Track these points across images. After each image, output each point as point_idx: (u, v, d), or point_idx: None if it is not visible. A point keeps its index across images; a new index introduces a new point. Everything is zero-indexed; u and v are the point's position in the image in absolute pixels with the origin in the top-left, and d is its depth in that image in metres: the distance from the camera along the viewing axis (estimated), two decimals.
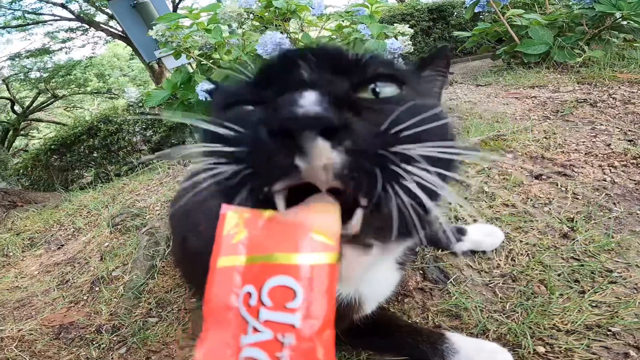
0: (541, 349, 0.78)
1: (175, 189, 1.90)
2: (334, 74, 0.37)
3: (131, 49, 9.46)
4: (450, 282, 0.98)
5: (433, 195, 0.32)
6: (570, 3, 2.90)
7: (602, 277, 0.91)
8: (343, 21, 3.36)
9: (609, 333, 0.79)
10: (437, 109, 0.37)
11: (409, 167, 0.30)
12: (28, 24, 10.07)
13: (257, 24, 3.57)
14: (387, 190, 0.30)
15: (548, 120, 1.70)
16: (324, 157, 0.28)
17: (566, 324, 0.81)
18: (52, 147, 5.14)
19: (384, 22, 5.62)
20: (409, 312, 0.93)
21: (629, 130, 1.49)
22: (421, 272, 1.04)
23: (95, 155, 5.26)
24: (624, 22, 2.75)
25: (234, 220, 0.27)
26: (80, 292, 1.33)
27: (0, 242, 1.92)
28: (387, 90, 0.38)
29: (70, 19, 9.79)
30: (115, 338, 1.10)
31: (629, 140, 1.43)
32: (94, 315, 1.20)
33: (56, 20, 10.01)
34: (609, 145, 1.42)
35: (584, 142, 1.47)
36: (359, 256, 0.36)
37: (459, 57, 6.74)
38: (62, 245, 1.74)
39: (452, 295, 0.94)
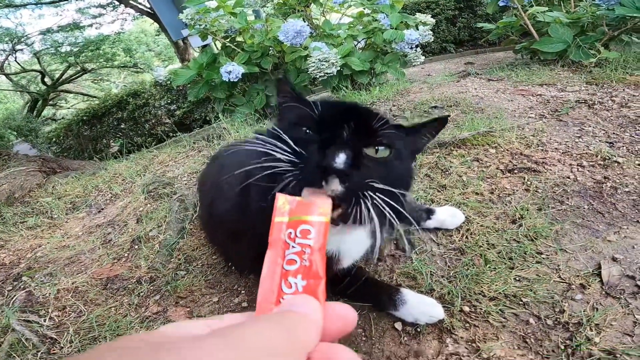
0: (466, 309, 0.98)
1: (201, 162, 2.10)
2: (359, 137, 0.64)
3: (158, 26, 9.64)
4: (415, 251, 1.20)
5: (381, 212, 0.59)
6: (598, 2, 2.90)
7: (532, 257, 1.10)
8: (364, 9, 3.45)
9: (520, 303, 0.97)
10: (401, 166, 0.69)
11: (368, 200, 0.59)
12: (61, 0, 10.33)
13: (279, 7, 3.69)
14: (355, 205, 0.58)
15: (544, 119, 1.81)
16: (334, 187, 0.56)
17: (491, 292, 1.00)
18: (84, 117, 5.44)
19: (407, 10, 5.63)
20: (380, 272, 1.15)
21: (613, 133, 1.61)
22: (395, 242, 1.24)
23: (123, 126, 5.55)
24: None
25: (282, 200, 0.47)
26: (122, 250, 1.53)
27: (43, 205, 2.12)
28: (382, 151, 0.66)
29: None
30: (151, 287, 1.31)
31: (609, 143, 1.54)
32: (135, 268, 1.41)
33: None
34: (588, 146, 1.54)
35: (566, 141, 1.59)
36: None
37: (482, 47, 6.69)
38: (102, 209, 1.94)
39: (413, 262, 1.15)
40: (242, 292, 1.21)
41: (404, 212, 0.64)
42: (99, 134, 5.55)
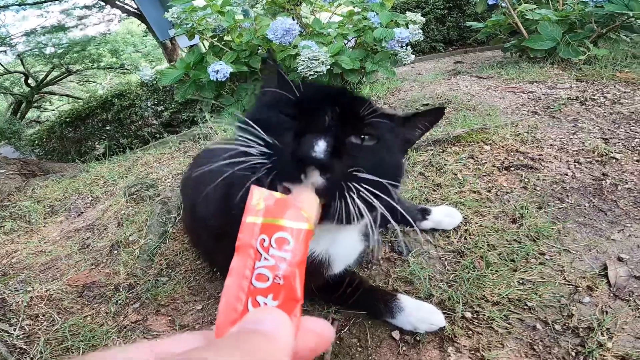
0: (469, 315, 0.92)
1: (186, 163, 2.02)
2: (343, 124, 0.56)
3: (145, 26, 9.50)
4: (411, 254, 1.13)
5: (368, 206, 0.53)
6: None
7: (534, 258, 1.04)
8: (354, 7, 3.40)
9: (525, 307, 0.92)
10: (389, 158, 0.62)
11: (353, 193, 0.51)
12: (45, 1, 10.12)
13: (269, 7, 3.63)
14: (339, 199, 0.51)
15: (536, 115, 1.78)
16: (314, 179, 0.49)
17: (494, 296, 0.95)
18: (67, 119, 5.30)
19: (397, 9, 5.62)
20: (375, 277, 1.08)
21: (608, 129, 1.58)
22: (389, 244, 1.18)
23: (108, 128, 5.41)
24: (638, 22, 2.76)
25: (258, 195, 0.40)
26: (100, 255, 1.45)
27: (22, 209, 2.01)
28: (369, 141, 0.59)
29: None
30: (130, 295, 1.23)
31: (604, 139, 1.52)
32: (113, 275, 1.32)
33: None
34: (583, 142, 1.51)
35: (561, 138, 1.56)
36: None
37: (471, 46, 6.71)
38: (82, 213, 1.85)
39: (410, 265, 1.08)
40: None
41: (396, 205, 0.56)
42: (83, 136, 5.41)
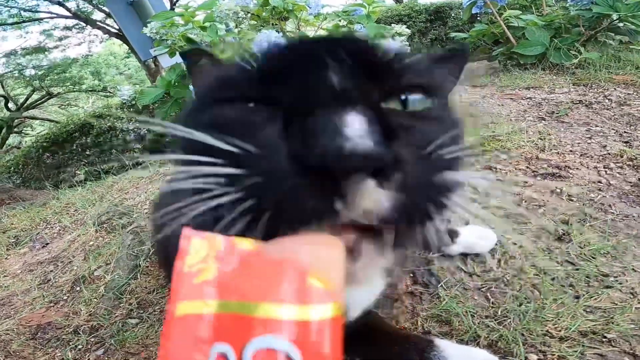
0: (534, 357, 0.75)
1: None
2: (366, 80, 0.31)
3: (127, 47, 9.40)
4: (441, 285, 0.95)
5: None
6: (568, 4, 2.89)
7: (597, 281, 0.90)
8: (340, 21, 3.34)
9: (604, 340, 0.77)
10: (454, 119, 0.40)
11: (453, 197, 0.29)
12: (24, 22, 9.98)
13: (254, 22, 3.54)
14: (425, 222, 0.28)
15: (543, 121, 1.71)
16: (371, 200, 0.24)
17: (560, 331, 0.79)
18: (44, 144, 5.09)
19: (381, 23, 5.63)
20: (398, 317, 0.90)
21: (625, 132, 1.51)
22: (411, 275, 1.00)
23: (88, 153, 5.21)
24: (621, 24, 2.74)
25: (202, 252, 0.20)
26: (60, 292, 1.29)
27: None
28: (416, 100, 0.35)
29: (67, 17, 9.71)
30: (92, 339, 1.06)
31: (624, 142, 1.43)
32: (73, 315, 1.17)
33: (53, 18, 9.93)
34: (604, 146, 1.42)
35: (579, 143, 1.47)
36: (375, 257, 0.32)
37: None
38: (47, 244, 1.70)
39: (442, 300, 0.91)
40: None
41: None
42: (62, 161, 5.18)
